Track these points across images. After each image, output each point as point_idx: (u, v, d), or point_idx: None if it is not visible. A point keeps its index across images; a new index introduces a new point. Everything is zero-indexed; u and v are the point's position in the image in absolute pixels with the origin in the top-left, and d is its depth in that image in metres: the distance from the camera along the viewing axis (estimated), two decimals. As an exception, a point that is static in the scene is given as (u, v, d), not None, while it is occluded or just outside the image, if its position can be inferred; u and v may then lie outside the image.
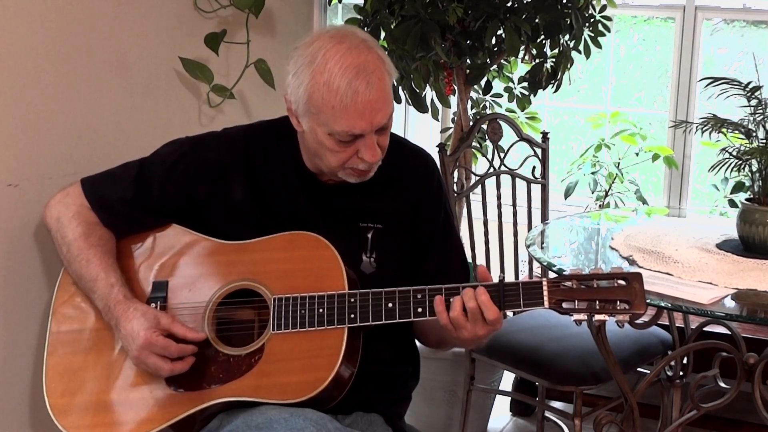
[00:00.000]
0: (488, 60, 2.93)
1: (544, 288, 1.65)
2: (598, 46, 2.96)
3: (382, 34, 2.84)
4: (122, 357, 1.80)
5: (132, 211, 1.87)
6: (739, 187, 3.40)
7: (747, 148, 2.35)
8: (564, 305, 1.64)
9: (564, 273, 1.69)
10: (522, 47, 2.85)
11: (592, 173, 3.59)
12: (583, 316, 1.65)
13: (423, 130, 3.91)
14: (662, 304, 2.04)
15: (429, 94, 2.98)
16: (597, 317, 1.64)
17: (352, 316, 1.70)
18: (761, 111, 2.37)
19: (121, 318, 1.75)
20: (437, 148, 2.74)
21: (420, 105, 2.94)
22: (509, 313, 2.83)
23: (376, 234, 1.85)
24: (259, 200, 1.85)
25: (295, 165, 1.87)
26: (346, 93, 1.67)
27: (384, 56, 1.75)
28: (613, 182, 3.59)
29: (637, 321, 2.19)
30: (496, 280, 1.68)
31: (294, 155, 1.87)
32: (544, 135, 2.97)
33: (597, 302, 1.64)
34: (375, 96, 1.69)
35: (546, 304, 1.64)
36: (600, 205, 3.58)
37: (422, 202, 1.90)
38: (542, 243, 2.54)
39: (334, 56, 1.69)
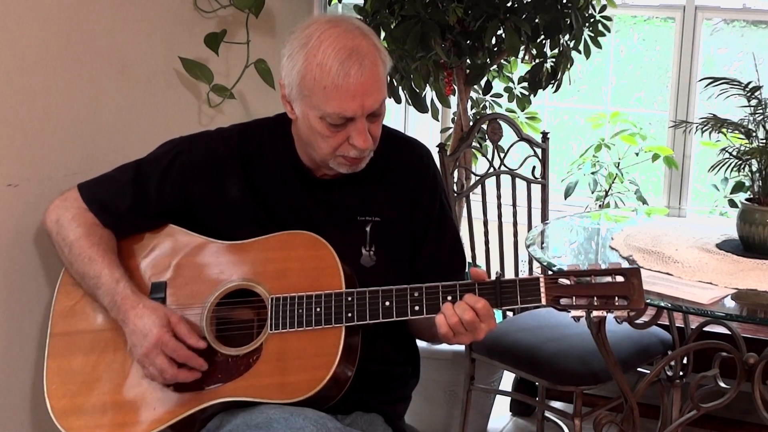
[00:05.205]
0: (488, 60, 2.93)
1: (542, 284, 1.65)
2: (598, 46, 2.97)
3: (382, 34, 2.84)
4: (122, 358, 1.80)
5: (130, 213, 1.87)
6: (739, 187, 3.39)
7: (747, 148, 2.35)
8: (562, 301, 1.64)
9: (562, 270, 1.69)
10: (522, 47, 2.85)
11: (592, 173, 3.59)
12: (581, 312, 1.64)
13: (423, 130, 3.92)
14: (662, 304, 2.04)
15: (429, 94, 2.98)
16: (595, 313, 1.64)
17: (350, 315, 1.70)
18: (761, 111, 2.36)
19: (129, 313, 1.75)
20: (437, 148, 2.74)
21: (420, 105, 2.94)
22: (509, 313, 2.84)
23: (374, 227, 1.85)
24: (256, 197, 1.85)
25: (291, 161, 1.87)
26: (338, 73, 1.68)
27: (379, 45, 1.76)
28: (613, 182, 3.59)
29: (637, 321, 2.19)
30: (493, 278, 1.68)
31: (289, 151, 1.87)
32: (544, 135, 2.97)
33: (595, 298, 1.63)
34: (367, 79, 1.69)
35: (543, 300, 1.64)
36: (600, 205, 3.58)
37: (418, 192, 1.90)
38: (542, 243, 2.54)
39: (329, 38, 1.70)
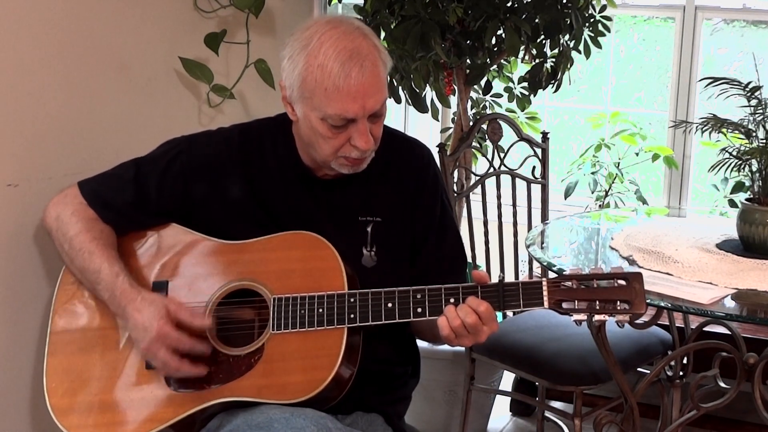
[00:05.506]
0: (488, 60, 2.93)
1: (544, 288, 1.65)
2: (598, 46, 2.97)
3: (382, 34, 2.84)
4: (123, 357, 1.80)
5: (131, 211, 1.87)
6: (739, 187, 3.40)
7: (747, 148, 2.35)
8: (564, 305, 1.64)
9: (564, 273, 1.69)
10: (522, 47, 2.85)
11: (592, 173, 3.59)
12: (583, 317, 1.65)
13: (423, 130, 3.92)
14: (662, 304, 2.04)
15: (429, 94, 2.98)
16: (597, 317, 1.64)
17: (352, 316, 1.70)
18: (761, 111, 2.37)
19: (128, 307, 1.74)
20: (437, 148, 2.74)
21: (420, 105, 2.94)
22: (509, 313, 2.84)
23: (375, 227, 1.85)
24: (257, 197, 1.85)
25: (292, 161, 1.87)
26: (339, 75, 1.68)
27: (379, 45, 1.76)
28: (613, 182, 3.60)
29: (637, 321, 2.19)
30: (495, 280, 1.68)
31: (290, 151, 1.87)
32: (544, 135, 2.97)
33: (597, 302, 1.64)
34: (368, 80, 1.69)
35: (546, 304, 1.64)
36: (600, 205, 3.58)
37: (418, 193, 1.90)
38: (542, 243, 2.54)
39: (329, 40, 1.70)
